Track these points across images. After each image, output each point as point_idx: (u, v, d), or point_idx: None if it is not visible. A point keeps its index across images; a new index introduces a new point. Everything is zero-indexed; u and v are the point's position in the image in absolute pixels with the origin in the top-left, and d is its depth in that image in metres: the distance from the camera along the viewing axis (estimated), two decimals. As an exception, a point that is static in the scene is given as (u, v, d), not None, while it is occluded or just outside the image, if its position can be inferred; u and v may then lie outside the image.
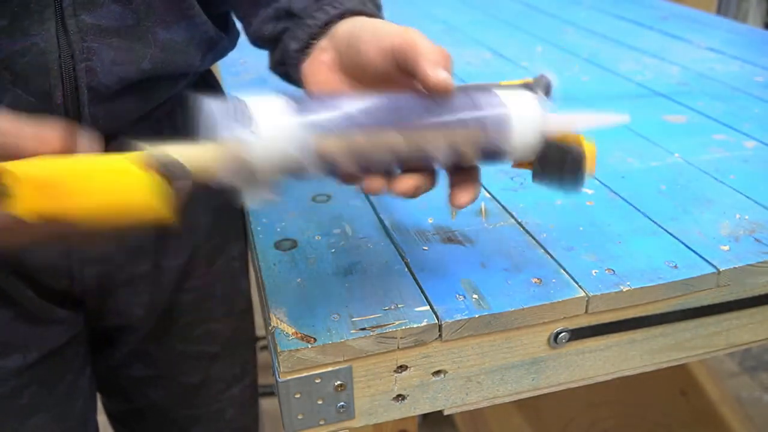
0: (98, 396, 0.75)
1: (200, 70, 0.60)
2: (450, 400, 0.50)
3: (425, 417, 1.23)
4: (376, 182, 0.40)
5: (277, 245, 0.56)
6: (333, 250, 0.55)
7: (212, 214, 0.67)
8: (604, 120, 0.48)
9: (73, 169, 0.34)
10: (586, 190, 0.64)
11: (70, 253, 0.58)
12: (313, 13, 0.47)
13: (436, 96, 0.41)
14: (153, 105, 0.56)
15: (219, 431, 0.78)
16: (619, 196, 0.63)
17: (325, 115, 0.38)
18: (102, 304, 0.63)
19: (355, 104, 0.40)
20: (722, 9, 2.59)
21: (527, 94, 0.45)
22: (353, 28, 0.45)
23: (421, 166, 0.42)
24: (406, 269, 0.52)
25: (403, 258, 0.54)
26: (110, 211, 0.34)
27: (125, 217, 0.35)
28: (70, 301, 0.61)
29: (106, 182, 0.34)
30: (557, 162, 0.44)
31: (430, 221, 0.58)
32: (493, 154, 0.43)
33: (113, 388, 0.75)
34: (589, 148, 0.45)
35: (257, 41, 0.54)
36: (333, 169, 0.40)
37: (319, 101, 0.40)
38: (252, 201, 0.39)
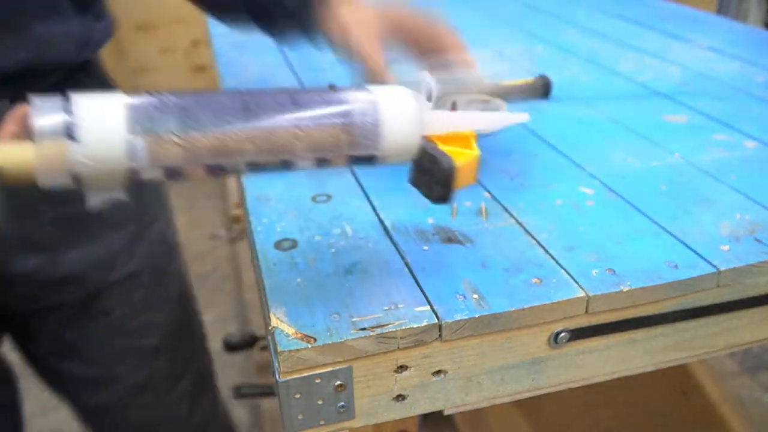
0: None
1: (77, 62, 0.60)
2: (450, 400, 0.50)
3: (425, 417, 1.23)
4: None
5: (277, 245, 0.56)
6: (333, 250, 0.55)
7: (113, 205, 0.65)
8: (502, 120, 0.46)
9: None
10: (586, 190, 0.64)
11: None
12: None
13: (299, 94, 0.40)
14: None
15: (181, 430, 0.76)
16: (619, 196, 0.63)
17: (163, 116, 0.36)
18: (2, 292, 0.62)
19: (198, 104, 0.37)
20: (722, 9, 2.59)
21: (403, 92, 0.42)
22: None
23: (281, 167, 0.40)
24: (406, 269, 0.52)
25: (403, 258, 0.54)
26: None
27: None
28: None
29: None
30: (428, 170, 0.42)
31: (430, 221, 0.58)
32: (362, 158, 0.41)
33: (59, 386, 0.74)
34: (467, 156, 0.43)
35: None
36: (177, 175, 0.37)
37: (161, 102, 0.37)
38: (95, 202, 0.38)
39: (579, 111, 0.85)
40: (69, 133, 0.34)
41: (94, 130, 0.34)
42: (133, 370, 0.71)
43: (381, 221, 0.59)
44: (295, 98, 0.39)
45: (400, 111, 0.41)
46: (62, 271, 0.63)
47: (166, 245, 0.72)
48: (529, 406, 1.22)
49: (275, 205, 0.63)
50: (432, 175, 0.42)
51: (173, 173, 0.37)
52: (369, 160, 0.42)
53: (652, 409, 1.23)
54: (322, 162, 0.41)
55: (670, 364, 0.56)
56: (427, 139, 0.43)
